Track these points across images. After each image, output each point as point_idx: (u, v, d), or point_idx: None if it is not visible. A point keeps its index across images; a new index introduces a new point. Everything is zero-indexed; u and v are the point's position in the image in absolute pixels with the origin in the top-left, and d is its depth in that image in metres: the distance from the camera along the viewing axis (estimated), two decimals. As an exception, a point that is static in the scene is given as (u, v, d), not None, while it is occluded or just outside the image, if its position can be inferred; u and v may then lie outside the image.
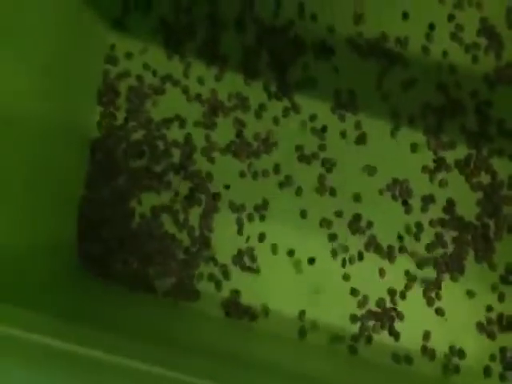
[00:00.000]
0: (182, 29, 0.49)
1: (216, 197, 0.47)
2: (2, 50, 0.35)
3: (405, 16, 0.48)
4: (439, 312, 0.46)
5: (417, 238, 0.47)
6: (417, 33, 0.49)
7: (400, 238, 0.47)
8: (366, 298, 0.46)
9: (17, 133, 0.37)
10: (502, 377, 0.45)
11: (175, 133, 0.48)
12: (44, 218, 0.43)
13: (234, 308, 0.46)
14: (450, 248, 0.47)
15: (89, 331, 0.29)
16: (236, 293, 0.47)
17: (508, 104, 0.48)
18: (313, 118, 0.48)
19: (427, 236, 0.47)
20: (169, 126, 0.48)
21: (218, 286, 0.47)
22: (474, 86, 0.48)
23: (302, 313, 0.46)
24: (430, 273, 0.46)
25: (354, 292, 0.46)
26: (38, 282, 0.40)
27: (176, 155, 0.48)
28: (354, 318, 0.46)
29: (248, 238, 0.47)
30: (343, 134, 0.48)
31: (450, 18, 0.48)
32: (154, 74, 0.49)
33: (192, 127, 0.48)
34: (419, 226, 0.47)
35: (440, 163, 0.47)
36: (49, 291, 0.40)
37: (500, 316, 0.46)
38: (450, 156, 0.47)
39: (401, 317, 0.46)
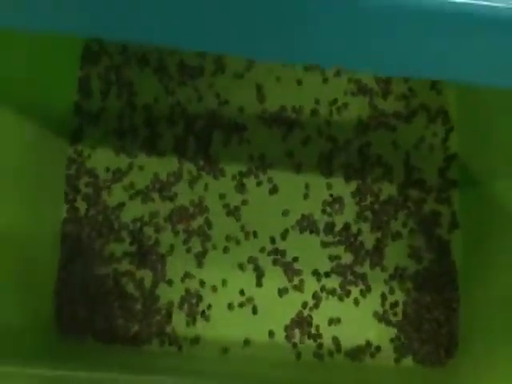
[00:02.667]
0: (126, 132, 0.62)
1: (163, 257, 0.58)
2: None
3: (299, 83, 0.61)
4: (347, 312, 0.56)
5: (323, 255, 0.57)
6: (307, 101, 0.61)
7: (308, 256, 0.57)
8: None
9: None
10: (396, 360, 0.54)
11: (129, 212, 0.60)
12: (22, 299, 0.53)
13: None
14: (350, 258, 0.57)
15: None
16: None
17: (383, 143, 0.60)
18: (236, 182, 0.60)
19: (333, 252, 0.57)
20: (121, 209, 0.60)
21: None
22: (355, 134, 0.60)
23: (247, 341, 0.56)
24: (335, 281, 0.56)
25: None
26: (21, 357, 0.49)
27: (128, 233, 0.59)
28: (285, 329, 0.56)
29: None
30: (260, 188, 0.59)
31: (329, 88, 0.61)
32: (107, 169, 0.61)
33: (141, 204, 0.60)
34: (325, 244, 0.57)
35: (335, 197, 0.59)
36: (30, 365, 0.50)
37: (393, 305, 0.56)
38: (342, 189, 0.59)
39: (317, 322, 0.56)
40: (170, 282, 0.58)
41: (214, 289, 0.58)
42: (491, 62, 0.30)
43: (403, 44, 0.30)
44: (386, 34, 0.29)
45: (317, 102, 0.61)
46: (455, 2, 0.27)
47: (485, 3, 0.27)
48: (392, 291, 0.57)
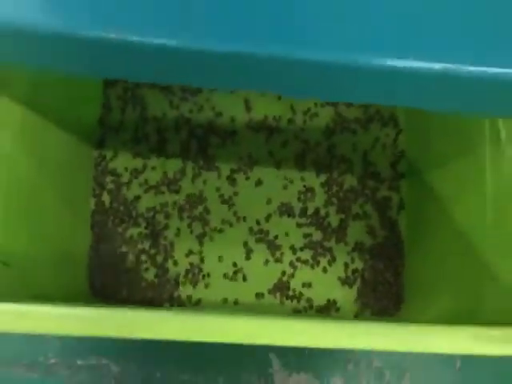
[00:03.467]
0: (140, 139, 0.77)
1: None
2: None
3: (278, 97, 0.76)
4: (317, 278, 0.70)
5: (299, 234, 0.72)
6: (285, 111, 0.76)
7: (286, 234, 0.71)
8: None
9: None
10: (356, 314, 0.69)
11: (143, 203, 0.75)
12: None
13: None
14: (319, 236, 0.71)
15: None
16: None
17: (346, 144, 0.74)
18: (228, 177, 0.75)
19: (306, 231, 0.72)
20: (138, 201, 0.75)
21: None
22: (323, 137, 0.75)
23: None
24: (308, 254, 0.71)
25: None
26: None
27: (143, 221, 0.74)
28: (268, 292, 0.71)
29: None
30: (248, 182, 0.74)
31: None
32: (126, 169, 0.76)
33: (153, 196, 0.75)
34: (300, 225, 0.72)
35: (308, 188, 0.73)
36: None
37: (354, 271, 0.70)
38: (313, 181, 0.73)
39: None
40: (176, 258, 0.73)
41: (212, 262, 0.72)
42: (432, 97, 0.42)
43: (359, 91, 0.41)
44: (344, 84, 0.39)
45: (293, 111, 0.76)
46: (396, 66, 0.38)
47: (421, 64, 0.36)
48: (353, 261, 0.72)
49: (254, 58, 0.36)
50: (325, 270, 0.72)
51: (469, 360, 0.67)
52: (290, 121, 0.76)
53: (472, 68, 0.36)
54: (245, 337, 0.41)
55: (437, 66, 0.36)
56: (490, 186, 0.53)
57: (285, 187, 0.74)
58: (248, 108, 0.76)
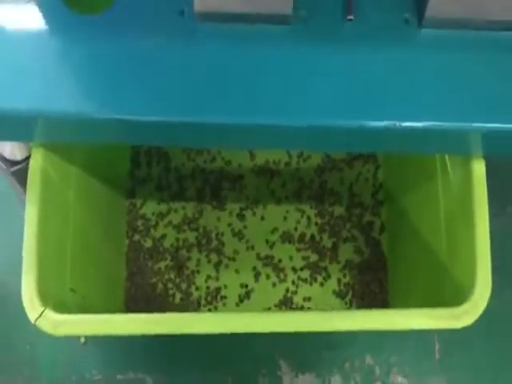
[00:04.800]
0: (163, 187, 0.92)
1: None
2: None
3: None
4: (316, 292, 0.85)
5: (298, 257, 0.86)
6: (282, 156, 0.91)
7: (288, 258, 0.86)
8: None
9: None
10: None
11: (168, 240, 0.90)
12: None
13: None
14: (316, 258, 0.86)
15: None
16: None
17: (334, 180, 0.90)
18: (238, 214, 0.90)
19: (304, 254, 0.86)
20: (164, 239, 0.90)
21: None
22: (316, 175, 0.90)
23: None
24: (307, 273, 0.85)
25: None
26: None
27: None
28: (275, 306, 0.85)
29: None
30: (255, 217, 0.89)
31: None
32: (153, 213, 0.91)
33: (176, 234, 0.90)
34: (299, 249, 0.87)
35: (305, 218, 0.88)
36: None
37: (346, 285, 0.84)
38: (309, 212, 0.88)
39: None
40: (198, 284, 0.87)
41: (227, 285, 0.87)
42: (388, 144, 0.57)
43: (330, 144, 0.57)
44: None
45: (289, 156, 0.92)
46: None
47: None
48: (344, 276, 0.86)
49: (236, 126, 0.50)
50: (321, 286, 0.86)
51: (447, 352, 0.81)
52: (287, 164, 0.91)
53: (416, 124, 0.50)
54: (255, 326, 0.55)
55: (384, 123, 0.50)
56: (443, 205, 0.68)
57: (285, 219, 0.89)
58: (252, 156, 0.92)
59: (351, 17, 0.52)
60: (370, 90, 0.50)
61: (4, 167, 0.65)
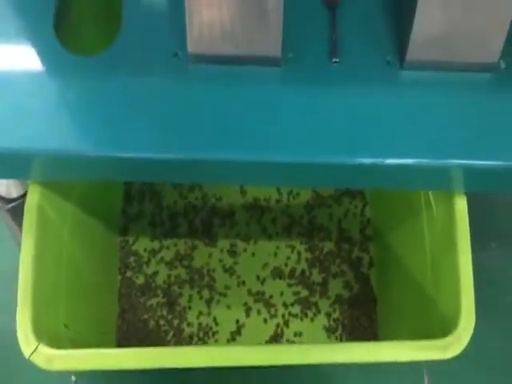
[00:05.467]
0: (156, 224, 0.94)
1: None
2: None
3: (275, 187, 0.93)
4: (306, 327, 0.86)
5: (289, 293, 0.87)
6: (273, 193, 0.93)
7: (279, 293, 0.87)
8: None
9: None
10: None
11: (161, 277, 0.91)
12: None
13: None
14: (306, 293, 0.87)
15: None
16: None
17: (323, 216, 0.92)
18: (229, 251, 0.91)
19: (295, 289, 0.88)
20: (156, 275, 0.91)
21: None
22: (305, 211, 0.92)
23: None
24: (297, 308, 0.86)
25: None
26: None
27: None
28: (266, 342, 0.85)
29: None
30: (246, 252, 0.91)
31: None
32: (145, 250, 0.93)
33: (168, 270, 0.91)
34: (290, 285, 0.88)
35: (295, 253, 0.90)
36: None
37: (335, 320, 0.85)
38: (299, 248, 0.90)
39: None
40: (190, 320, 0.88)
41: (219, 321, 0.87)
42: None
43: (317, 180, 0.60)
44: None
45: (279, 193, 0.94)
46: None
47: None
48: (334, 311, 0.87)
49: (227, 161, 0.52)
50: (312, 321, 0.87)
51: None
52: (277, 201, 0.93)
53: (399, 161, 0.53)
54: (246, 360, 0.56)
55: (368, 160, 0.52)
56: (428, 240, 0.69)
57: (275, 254, 0.90)
58: (243, 193, 0.94)
59: (337, 59, 0.54)
60: (355, 128, 0.53)
61: None
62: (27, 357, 0.56)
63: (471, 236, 0.59)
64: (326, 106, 0.54)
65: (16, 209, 0.65)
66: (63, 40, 0.55)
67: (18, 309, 0.58)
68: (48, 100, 0.53)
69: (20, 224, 0.60)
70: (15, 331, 0.57)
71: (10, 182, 0.64)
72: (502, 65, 0.54)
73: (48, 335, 0.59)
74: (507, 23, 0.51)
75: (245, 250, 0.91)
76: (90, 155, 0.52)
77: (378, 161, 0.52)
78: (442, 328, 0.60)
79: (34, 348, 0.56)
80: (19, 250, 0.59)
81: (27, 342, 0.56)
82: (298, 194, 0.93)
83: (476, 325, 0.56)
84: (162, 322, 0.88)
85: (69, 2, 0.56)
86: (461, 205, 0.59)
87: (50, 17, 0.56)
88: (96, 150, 0.52)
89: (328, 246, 0.90)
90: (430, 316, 0.67)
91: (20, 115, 0.52)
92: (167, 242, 0.92)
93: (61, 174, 0.58)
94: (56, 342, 0.59)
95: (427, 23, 0.51)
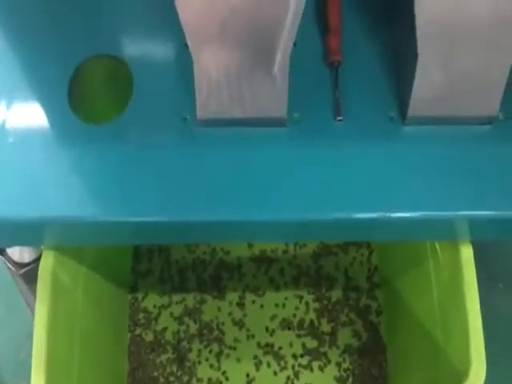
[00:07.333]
0: (165, 280, 0.94)
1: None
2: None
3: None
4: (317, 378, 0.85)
5: (298, 344, 0.87)
6: (280, 244, 0.94)
7: (288, 345, 0.87)
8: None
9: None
10: None
11: (170, 332, 0.91)
12: None
13: None
14: (315, 343, 0.87)
15: None
16: None
17: (330, 265, 0.92)
18: (238, 303, 0.91)
19: (304, 340, 0.88)
20: (165, 331, 0.91)
21: None
22: (312, 261, 0.93)
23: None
24: (307, 359, 0.86)
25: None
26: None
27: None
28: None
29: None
30: (254, 304, 0.91)
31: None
32: (154, 306, 0.93)
33: (178, 326, 0.91)
34: (299, 336, 0.88)
35: (303, 303, 0.90)
36: None
37: (345, 369, 0.86)
38: (307, 298, 0.90)
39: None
40: (199, 375, 0.88)
41: (229, 375, 0.87)
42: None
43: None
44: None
45: (286, 244, 0.94)
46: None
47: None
48: (344, 360, 0.87)
49: (237, 222, 0.54)
50: (322, 371, 0.86)
51: None
52: (284, 251, 0.94)
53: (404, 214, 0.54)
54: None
55: (373, 215, 0.53)
56: (435, 287, 0.70)
57: (284, 306, 0.91)
58: (250, 245, 0.95)
59: (340, 117, 0.56)
60: (361, 184, 0.54)
61: (13, 269, 0.67)
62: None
63: (478, 278, 0.59)
64: (332, 163, 0.55)
65: (29, 273, 0.66)
66: (75, 108, 0.57)
67: (33, 374, 0.58)
68: (58, 168, 0.55)
69: (33, 289, 0.61)
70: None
71: (23, 247, 0.65)
72: (501, 116, 0.56)
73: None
74: (505, 78, 0.53)
75: (253, 302, 0.91)
76: (102, 221, 0.53)
77: (384, 215, 0.53)
78: (452, 377, 0.61)
79: (49, 413, 0.56)
80: (32, 313, 0.59)
81: (42, 407, 0.56)
82: (304, 245, 0.94)
83: (487, 369, 0.56)
84: (171, 378, 0.88)
85: (82, 71, 0.58)
86: (467, 253, 0.60)
87: (65, 84, 0.57)
88: (108, 216, 0.53)
89: (336, 294, 0.91)
90: (439, 365, 0.67)
91: (30, 185, 0.53)
92: (176, 297, 0.92)
93: (74, 240, 0.60)
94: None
95: (427, 82, 0.53)
